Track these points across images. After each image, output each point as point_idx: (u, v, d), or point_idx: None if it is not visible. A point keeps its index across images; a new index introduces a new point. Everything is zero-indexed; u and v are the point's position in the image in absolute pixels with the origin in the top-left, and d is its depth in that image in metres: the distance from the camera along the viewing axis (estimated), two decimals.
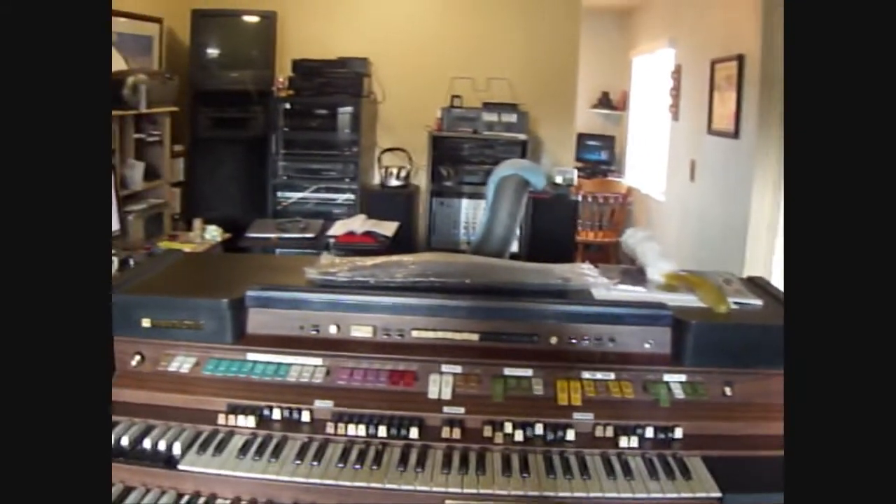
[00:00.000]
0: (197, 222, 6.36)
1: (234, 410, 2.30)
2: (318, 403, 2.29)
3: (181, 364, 2.43)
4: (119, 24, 6.47)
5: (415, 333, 2.47)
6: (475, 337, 2.45)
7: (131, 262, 4.95)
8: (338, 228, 5.97)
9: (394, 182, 7.80)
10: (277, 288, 2.52)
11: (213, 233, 6.33)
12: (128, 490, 2.17)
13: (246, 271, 2.95)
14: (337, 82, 7.51)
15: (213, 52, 7.55)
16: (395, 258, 2.72)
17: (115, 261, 4.88)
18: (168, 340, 2.46)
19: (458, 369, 2.38)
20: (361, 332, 2.47)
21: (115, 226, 5.42)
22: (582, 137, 11.03)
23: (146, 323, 2.47)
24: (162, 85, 6.13)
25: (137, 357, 2.46)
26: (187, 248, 5.68)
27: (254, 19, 7.61)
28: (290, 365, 2.39)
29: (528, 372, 2.38)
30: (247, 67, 7.48)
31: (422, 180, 7.98)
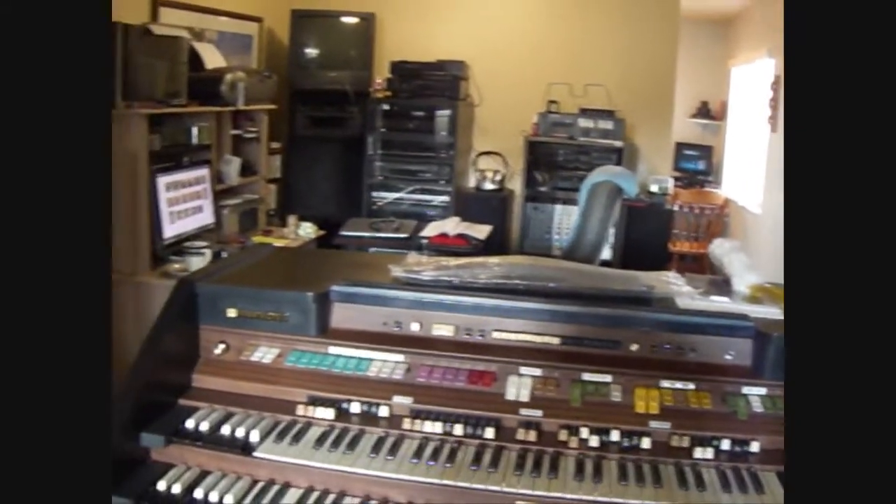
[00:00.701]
0: (291, 219, 6.44)
1: (313, 402, 2.33)
2: (397, 399, 2.32)
3: (264, 354, 2.47)
4: (220, 23, 6.60)
5: (496, 334, 2.48)
6: (556, 340, 2.45)
7: (224, 254, 5.05)
8: (431, 230, 6.00)
9: (488, 185, 7.82)
10: (362, 284, 2.55)
11: (308, 230, 6.40)
12: (204, 474, 2.23)
13: (333, 267, 2.99)
14: (434, 85, 7.56)
15: (311, 51, 7.65)
16: (479, 259, 2.73)
17: (209, 253, 4.99)
18: (252, 331, 2.51)
19: (537, 372, 2.38)
20: (443, 330, 2.49)
21: (210, 219, 5.53)
22: (680, 147, 10.94)
23: (232, 313, 2.52)
24: (260, 83, 6.21)
25: (222, 346, 2.51)
26: (281, 244, 5.75)
27: (352, 20, 7.69)
28: (371, 360, 2.41)
29: (608, 378, 2.37)
30: (345, 68, 7.56)
31: (516, 185, 7.99)
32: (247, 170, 6.35)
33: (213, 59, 5.95)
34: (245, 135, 6.31)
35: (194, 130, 5.41)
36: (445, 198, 7.60)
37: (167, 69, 5.12)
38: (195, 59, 5.69)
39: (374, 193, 7.66)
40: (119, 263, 4.87)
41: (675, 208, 8.79)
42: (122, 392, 2.32)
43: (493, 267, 2.65)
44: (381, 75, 7.68)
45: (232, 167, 6.02)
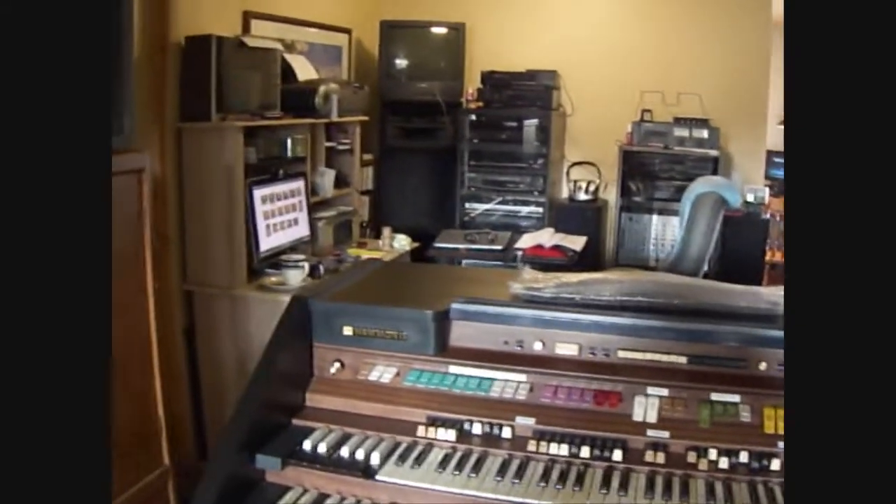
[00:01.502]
0: (386, 230, 6.40)
1: (434, 423, 2.29)
2: (520, 420, 2.26)
3: (381, 374, 2.43)
4: (310, 35, 6.61)
5: (621, 353, 2.42)
6: (682, 359, 2.38)
7: (321, 267, 5.04)
8: (526, 241, 5.95)
9: (582, 196, 7.72)
10: (483, 301, 2.49)
11: (402, 241, 6.36)
12: (322, 497, 2.20)
13: (446, 282, 2.95)
14: (526, 94, 7.49)
15: (401, 62, 7.62)
16: (600, 275, 2.67)
17: (307, 266, 4.97)
18: (369, 349, 2.47)
19: (664, 392, 2.32)
20: (566, 349, 2.43)
21: (305, 231, 5.53)
22: (770, 154, 10.74)
23: (348, 331, 2.48)
24: (352, 94, 6.19)
25: (337, 364, 2.48)
26: (376, 256, 5.73)
27: (442, 31, 7.65)
28: (492, 380, 2.36)
29: (736, 398, 2.30)
30: (435, 78, 7.52)
31: (610, 195, 7.88)
32: (340, 182, 6.34)
33: (304, 70, 5.95)
34: (338, 147, 6.30)
35: (289, 143, 5.39)
36: (538, 209, 7.52)
37: (261, 81, 5.15)
38: (287, 71, 5.70)
39: (467, 205, 7.61)
40: (216, 277, 4.89)
41: (769, 217, 8.64)
42: (236, 412, 2.31)
43: (615, 283, 2.58)
44: (472, 85, 7.64)
45: (326, 179, 6.01)
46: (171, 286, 4.96)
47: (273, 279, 4.92)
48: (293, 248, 5.35)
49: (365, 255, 5.76)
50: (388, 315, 2.46)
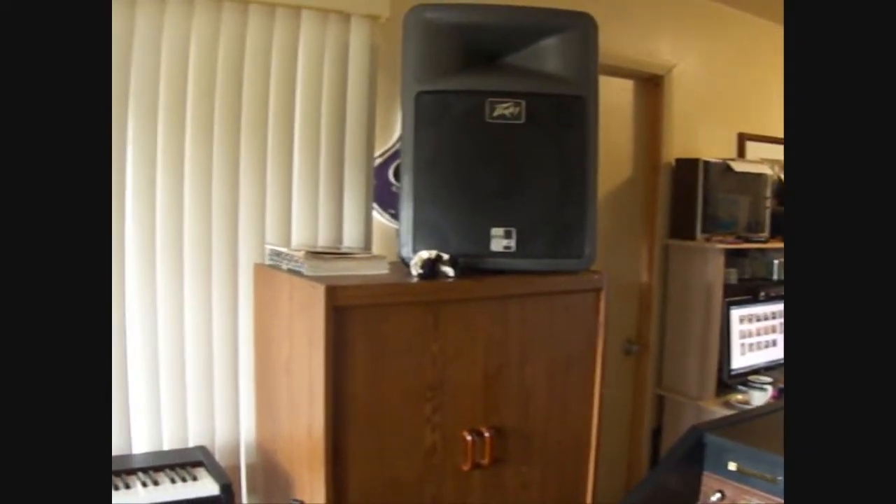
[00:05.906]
0: None
1: None
2: None
3: None
4: None
5: None
6: None
7: None
8: None
9: None
10: None
11: None
12: None
13: None
14: None
15: None
16: None
17: (769, 389, 5.07)
18: (747, 486, 2.62)
19: None
20: None
21: None
22: None
23: (732, 466, 2.65)
24: None
25: (718, 494, 2.65)
26: None
27: None
28: None
29: None
30: None
31: None
32: None
33: None
34: None
35: (775, 265, 5.51)
36: None
37: (749, 204, 5.34)
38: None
39: None
40: (686, 386, 5.15)
41: None
42: None
43: None
44: None
45: None
46: (646, 389, 5.30)
47: (739, 397, 5.06)
48: (768, 368, 5.46)
49: None
50: (765, 459, 2.58)
